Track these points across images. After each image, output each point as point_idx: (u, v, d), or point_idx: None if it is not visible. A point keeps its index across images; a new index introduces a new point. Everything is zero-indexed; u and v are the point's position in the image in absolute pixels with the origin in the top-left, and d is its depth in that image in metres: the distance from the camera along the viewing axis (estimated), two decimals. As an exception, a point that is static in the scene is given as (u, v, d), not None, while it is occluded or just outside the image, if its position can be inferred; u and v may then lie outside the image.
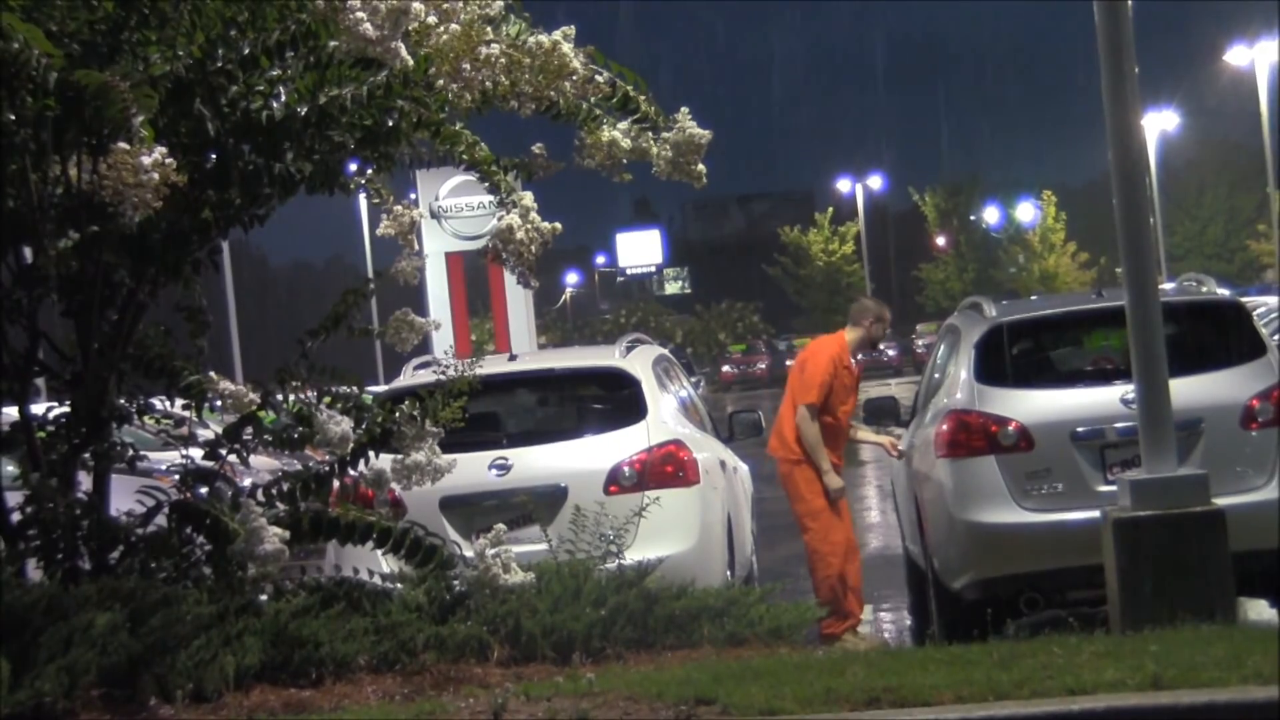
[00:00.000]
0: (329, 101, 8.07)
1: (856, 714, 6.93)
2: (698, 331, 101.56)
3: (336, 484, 8.93)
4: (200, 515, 8.47)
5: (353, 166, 8.78)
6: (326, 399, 8.89)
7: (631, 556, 10.18)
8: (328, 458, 8.93)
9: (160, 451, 9.40)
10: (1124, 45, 9.71)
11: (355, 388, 9.08)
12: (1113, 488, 10.20)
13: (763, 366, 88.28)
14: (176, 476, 8.88)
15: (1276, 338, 24.48)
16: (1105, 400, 11.12)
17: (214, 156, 8.26)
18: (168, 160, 6.95)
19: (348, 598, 8.78)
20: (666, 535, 11.06)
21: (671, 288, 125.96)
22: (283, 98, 8.11)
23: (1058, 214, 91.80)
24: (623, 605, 9.11)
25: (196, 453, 8.93)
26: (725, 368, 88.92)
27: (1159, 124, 70.96)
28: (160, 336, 8.87)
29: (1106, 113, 9.80)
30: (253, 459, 9.18)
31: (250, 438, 8.85)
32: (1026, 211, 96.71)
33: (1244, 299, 15.07)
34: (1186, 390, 10.34)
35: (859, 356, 13.24)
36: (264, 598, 8.58)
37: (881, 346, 14.05)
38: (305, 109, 8.09)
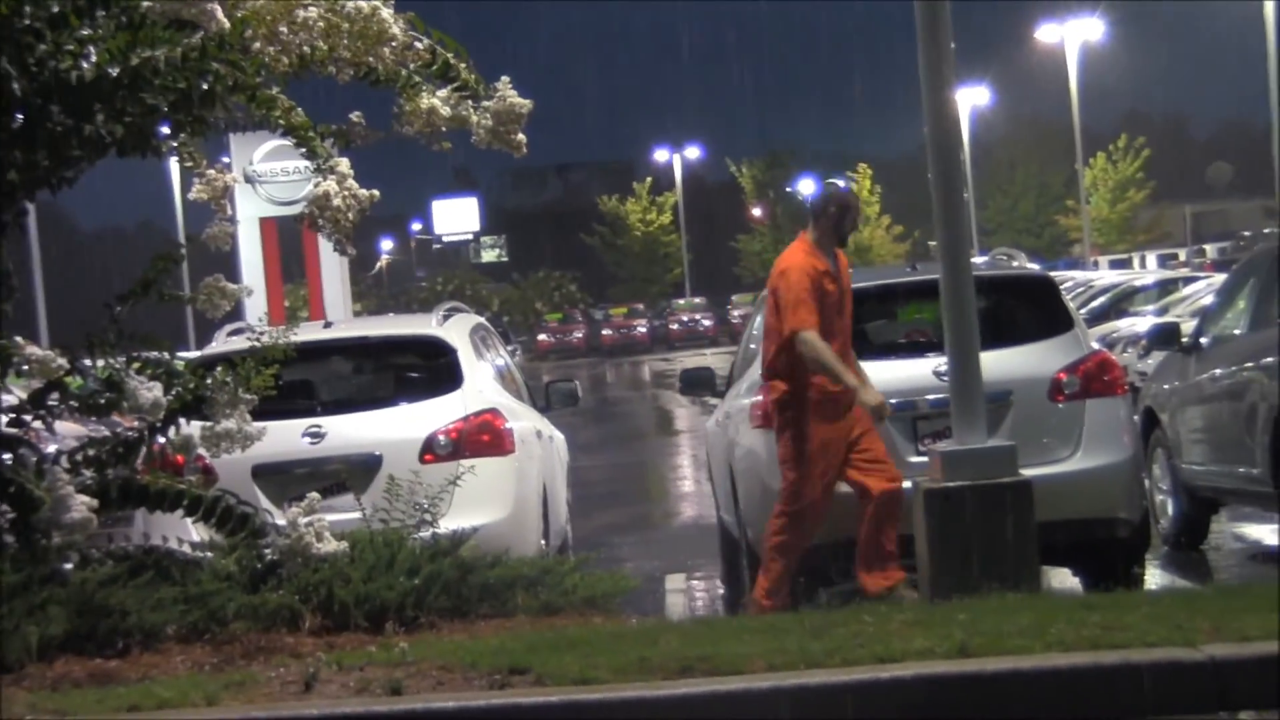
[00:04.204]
0: (141, 63, 7.92)
1: (670, 683, 6.97)
2: (515, 300, 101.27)
3: (145, 451, 8.80)
4: (4, 482, 8.31)
5: (165, 129, 8.63)
6: (136, 365, 8.76)
7: (446, 525, 10.13)
8: (136, 424, 8.80)
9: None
10: (940, 21, 9.82)
11: (166, 353, 8.95)
12: (924, 459, 10.34)
13: (579, 336, 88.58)
14: (-21, 443, 8.70)
15: (1083, 312, 25.06)
16: (918, 372, 11.22)
17: (21, 117, 8.08)
18: (-29, 120, 6.80)
19: (156, 566, 8.66)
20: (481, 504, 11.02)
21: (488, 256, 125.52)
22: (93, 58, 7.95)
23: (873, 187, 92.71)
24: (437, 574, 9.09)
25: (0, 419, 8.76)
26: (542, 336, 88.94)
27: (972, 99, 71.87)
28: (-38, 301, 8.67)
29: (923, 88, 9.90)
30: (59, 425, 9.02)
31: (57, 403, 8.69)
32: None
33: (1053, 273, 15.30)
34: (997, 363, 10.49)
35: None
36: (69, 566, 8.43)
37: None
38: (117, 70, 7.94)
